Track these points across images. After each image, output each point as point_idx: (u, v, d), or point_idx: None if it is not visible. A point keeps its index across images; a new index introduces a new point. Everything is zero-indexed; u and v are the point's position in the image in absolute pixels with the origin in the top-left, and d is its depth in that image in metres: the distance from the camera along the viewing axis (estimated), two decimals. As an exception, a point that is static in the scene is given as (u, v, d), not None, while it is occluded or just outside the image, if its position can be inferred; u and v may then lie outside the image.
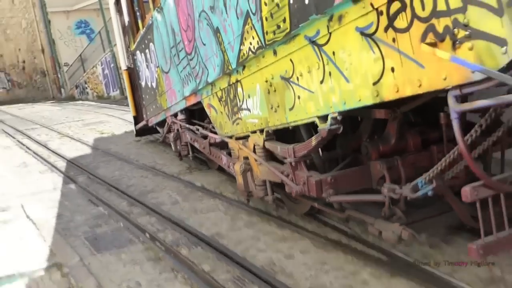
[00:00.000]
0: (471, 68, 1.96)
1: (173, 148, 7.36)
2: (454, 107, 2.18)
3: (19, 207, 6.10)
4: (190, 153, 6.87)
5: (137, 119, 9.52)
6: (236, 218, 4.87)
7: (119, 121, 13.92)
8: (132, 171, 7.60)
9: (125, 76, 9.49)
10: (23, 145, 11.49)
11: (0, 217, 5.76)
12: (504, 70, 1.86)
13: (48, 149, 10.48)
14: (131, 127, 10.90)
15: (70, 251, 4.49)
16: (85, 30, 28.47)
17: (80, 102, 24.71)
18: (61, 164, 8.69)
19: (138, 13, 7.52)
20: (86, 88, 26.63)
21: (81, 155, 9.43)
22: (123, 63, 9.54)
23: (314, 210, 4.43)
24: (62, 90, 29.56)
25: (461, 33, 2.01)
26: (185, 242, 4.38)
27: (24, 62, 33.11)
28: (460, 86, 2.12)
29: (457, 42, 2.04)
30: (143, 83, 8.31)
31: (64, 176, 7.70)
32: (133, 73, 8.97)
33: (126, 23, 8.56)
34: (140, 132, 9.76)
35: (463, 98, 2.25)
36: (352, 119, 3.99)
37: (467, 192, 2.31)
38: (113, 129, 12.54)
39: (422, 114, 3.87)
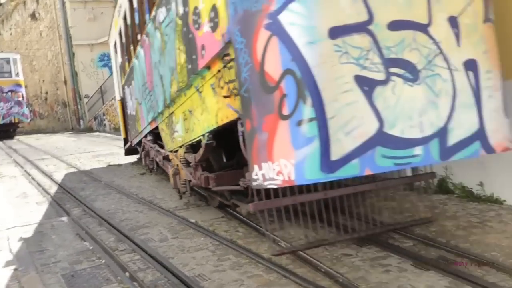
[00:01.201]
0: (234, 110, 3.94)
1: (143, 163, 9.31)
2: (239, 128, 4.11)
3: (5, 240, 5.97)
4: (155, 167, 8.82)
5: (126, 141, 11.61)
6: (223, 259, 4.73)
7: (128, 154, 13.53)
8: (129, 205, 7.52)
9: (118, 105, 11.63)
10: (29, 175, 11.50)
11: (-17, 250, 5.61)
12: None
13: (52, 179, 10.54)
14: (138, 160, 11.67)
15: (41, 289, 4.37)
16: (107, 63, 27.78)
17: (97, 133, 24.34)
18: (60, 196, 8.67)
19: (126, 57, 9.70)
20: (104, 120, 26.53)
21: (82, 187, 9.44)
22: (117, 95, 11.72)
23: (222, 204, 6.32)
24: (81, 121, 29.89)
25: (235, 92, 3.99)
26: (163, 284, 4.22)
27: (47, 93, 34.05)
28: (239, 118, 4.07)
29: (235, 96, 4.01)
30: (128, 112, 10.46)
31: (60, 208, 7.63)
32: (124, 103, 11.13)
33: (120, 63, 10.76)
34: (128, 152, 11.79)
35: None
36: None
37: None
38: (121, 161, 12.65)
39: None
